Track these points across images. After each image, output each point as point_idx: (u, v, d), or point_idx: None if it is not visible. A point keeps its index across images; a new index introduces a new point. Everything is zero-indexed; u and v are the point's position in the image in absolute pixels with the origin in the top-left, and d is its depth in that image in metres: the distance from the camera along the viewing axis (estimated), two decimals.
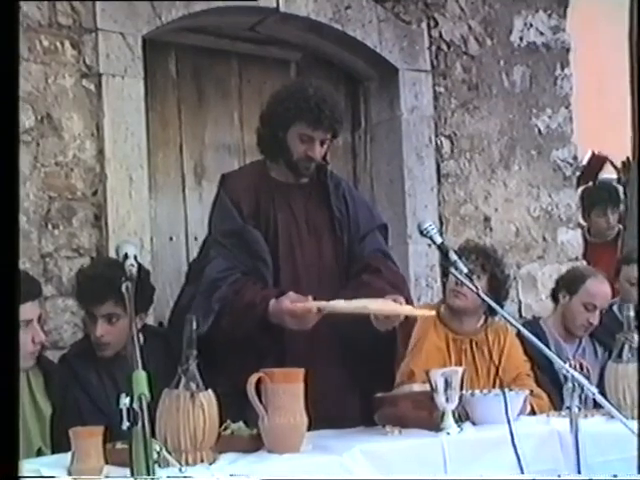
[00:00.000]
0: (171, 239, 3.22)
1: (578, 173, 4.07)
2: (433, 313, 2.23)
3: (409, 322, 2.30)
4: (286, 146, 2.33)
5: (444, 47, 3.68)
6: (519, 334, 2.57)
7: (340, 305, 2.05)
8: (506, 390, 2.21)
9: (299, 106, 2.28)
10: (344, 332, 2.26)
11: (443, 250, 2.27)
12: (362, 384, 2.28)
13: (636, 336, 2.37)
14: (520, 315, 3.67)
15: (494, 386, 2.53)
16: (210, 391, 1.86)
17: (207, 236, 2.46)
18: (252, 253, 2.26)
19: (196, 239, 3.16)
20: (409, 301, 2.28)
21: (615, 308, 3.29)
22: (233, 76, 3.39)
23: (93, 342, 2.31)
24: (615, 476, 1.82)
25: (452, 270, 2.27)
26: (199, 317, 2.09)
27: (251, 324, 2.16)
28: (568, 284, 3.10)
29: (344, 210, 2.40)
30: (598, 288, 3.06)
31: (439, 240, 2.28)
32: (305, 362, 2.00)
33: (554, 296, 3.14)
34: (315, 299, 2.11)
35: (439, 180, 3.63)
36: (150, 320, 2.66)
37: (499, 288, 2.81)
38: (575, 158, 4.01)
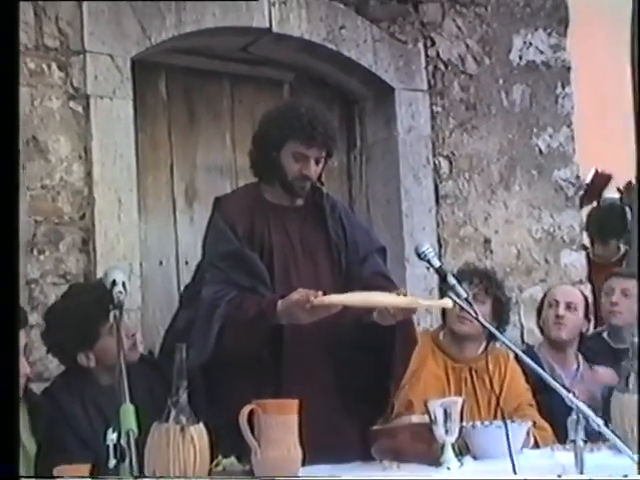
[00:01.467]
0: (161, 263, 3.22)
1: (581, 193, 4.08)
2: (449, 304, 2.21)
3: (410, 334, 2.33)
4: (280, 166, 2.37)
5: (441, 66, 3.70)
6: (519, 360, 2.57)
7: (353, 298, 2.08)
8: (508, 421, 2.17)
9: (291, 124, 2.32)
10: (342, 350, 2.30)
11: (442, 274, 2.27)
12: (360, 409, 2.29)
13: None
14: (522, 341, 3.66)
15: (495, 417, 2.52)
16: (201, 424, 1.83)
17: (201, 260, 2.49)
18: (250, 274, 2.28)
19: (187, 263, 3.18)
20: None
21: (605, 335, 3.30)
22: (225, 97, 3.41)
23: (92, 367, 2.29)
24: (626, 476, 1.84)
25: (451, 295, 2.26)
26: (199, 343, 2.13)
27: (259, 334, 2.16)
28: (540, 307, 3.19)
29: (341, 233, 2.43)
30: (559, 288, 3.22)
31: (437, 263, 2.27)
32: (302, 391, 2.01)
33: (540, 328, 3.20)
34: (325, 294, 2.14)
35: (437, 201, 3.64)
36: (140, 348, 2.61)
37: (502, 312, 2.83)
38: (577, 178, 4.02)
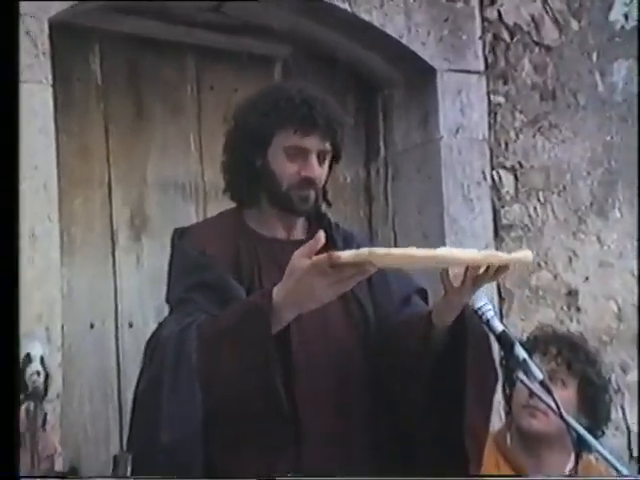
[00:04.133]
0: (92, 326, 3.23)
1: None
2: (530, 256, 2.19)
3: (489, 357, 2.36)
4: (269, 174, 2.40)
5: (505, 35, 3.72)
6: None
7: (398, 252, 2.06)
8: None
9: (279, 107, 2.36)
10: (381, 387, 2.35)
11: (506, 343, 2.28)
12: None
13: None
14: (630, 454, 3.65)
15: None
16: None
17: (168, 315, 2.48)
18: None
19: (131, 326, 3.22)
20: None
21: None
22: (189, 81, 3.42)
23: None
24: None
25: (520, 375, 2.33)
26: (177, 405, 2.15)
27: (259, 341, 2.14)
28: None
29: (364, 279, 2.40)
30: None
31: (499, 327, 2.28)
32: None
33: None
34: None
35: (497, 234, 3.67)
36: (58, 465, 2.58)
37: (596, 402, 2.83)
38: None
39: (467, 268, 2.17)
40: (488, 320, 2.29)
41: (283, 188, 2.39)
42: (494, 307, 2.35)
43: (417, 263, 2.10)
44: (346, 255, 2.00)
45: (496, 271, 2.17)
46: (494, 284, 3.59)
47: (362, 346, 2.39)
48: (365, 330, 2.41)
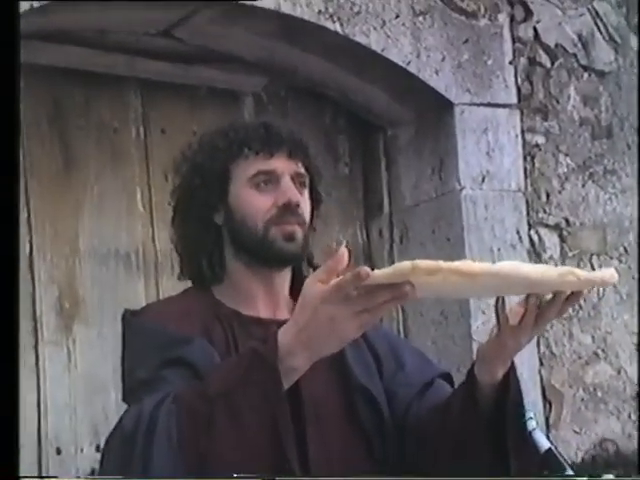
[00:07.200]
0: None
1: None
2: (616, 276, 2.06)
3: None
4: (236, 224, 2.35)
5: (544, 59, 3.72)
6: None
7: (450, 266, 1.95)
8: None
9: (230, 136, 2.37)
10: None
11: (552, 466, 2.15)
12: None
13: None
14: None
15: None
16: None
17: None
18: None
19: (59, 452, 3.19)
20: None
21: None
22: (132, 122, 3.46)
23: None
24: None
25: None
26: None
27: (263, 400, 2.06)
28: None
29: (372, 363, 2.41)
30: None
31: (544, 444, 2.16)
32: None
33: None
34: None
35: None
36: None
37: None
38: None
39: (527, 297, 2.07)
40: (530, 433, 2.18)
41: (259, 231, 2.31)
42: (536, 417, 2.24)
43: (471, 286, 1.98)
44: (380, 273, 1.91)
45: (567, 299, 2.05)
46: (537, 381, 3.47)
47: (371, 451, 2.31)
48: (377, 431, 2.33)
